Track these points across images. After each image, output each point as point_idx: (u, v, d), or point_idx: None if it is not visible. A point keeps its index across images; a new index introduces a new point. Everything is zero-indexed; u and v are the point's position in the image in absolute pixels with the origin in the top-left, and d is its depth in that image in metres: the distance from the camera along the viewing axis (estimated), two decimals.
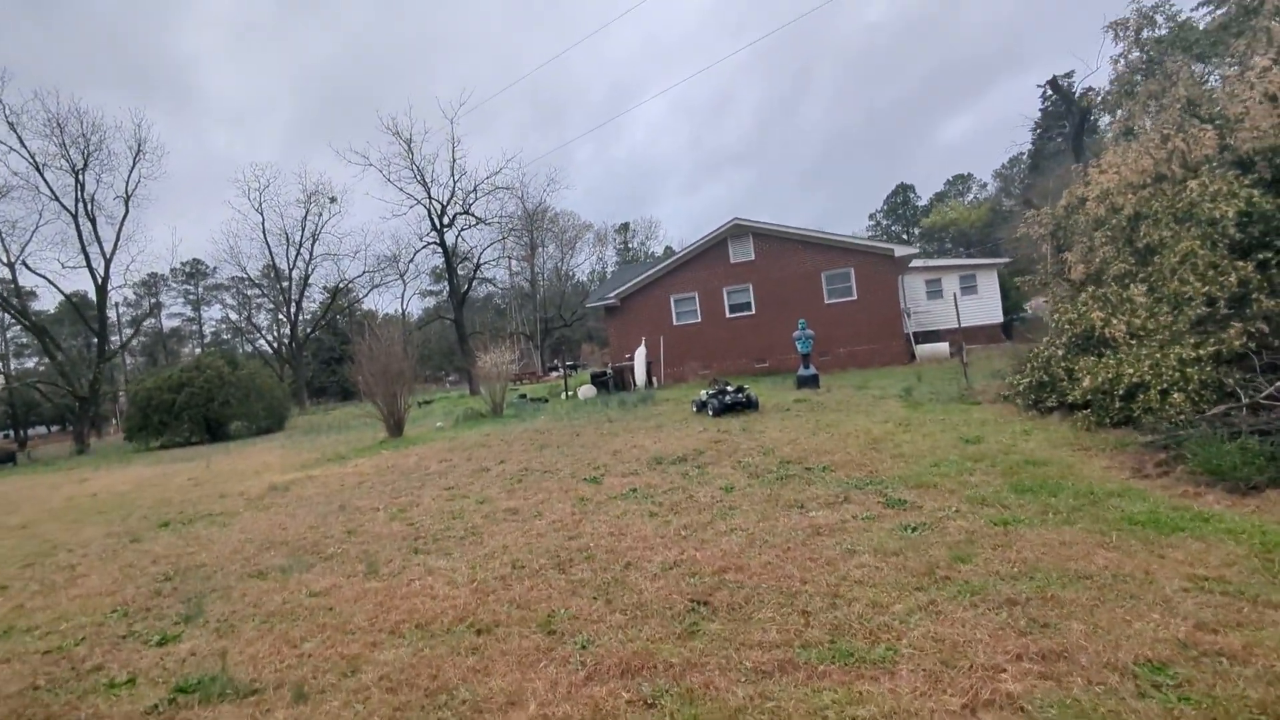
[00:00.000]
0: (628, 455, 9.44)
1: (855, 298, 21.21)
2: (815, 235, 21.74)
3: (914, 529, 4.80)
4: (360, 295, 46.11)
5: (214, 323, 53.74)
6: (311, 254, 43.52)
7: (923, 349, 21.16)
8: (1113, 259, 11.41)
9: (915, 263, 27.24)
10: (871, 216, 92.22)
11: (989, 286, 29.28)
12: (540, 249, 47.84)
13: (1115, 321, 8.75)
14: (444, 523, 6.75)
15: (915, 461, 7.15)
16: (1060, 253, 17.62)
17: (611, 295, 22.90)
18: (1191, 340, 7.60)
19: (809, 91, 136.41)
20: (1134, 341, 8.47)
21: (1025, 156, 79.29)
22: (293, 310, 41.87)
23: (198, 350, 50.52)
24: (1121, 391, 7.54)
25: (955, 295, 18.21)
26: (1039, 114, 66.97)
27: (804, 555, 4.44)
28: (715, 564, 4.44)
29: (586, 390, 20.44)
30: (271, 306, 45.62)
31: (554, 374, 45.03)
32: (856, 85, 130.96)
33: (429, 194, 34.20)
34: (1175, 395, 7.06)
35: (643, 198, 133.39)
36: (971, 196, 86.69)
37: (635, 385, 20.01)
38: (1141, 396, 7.34)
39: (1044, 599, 3.45)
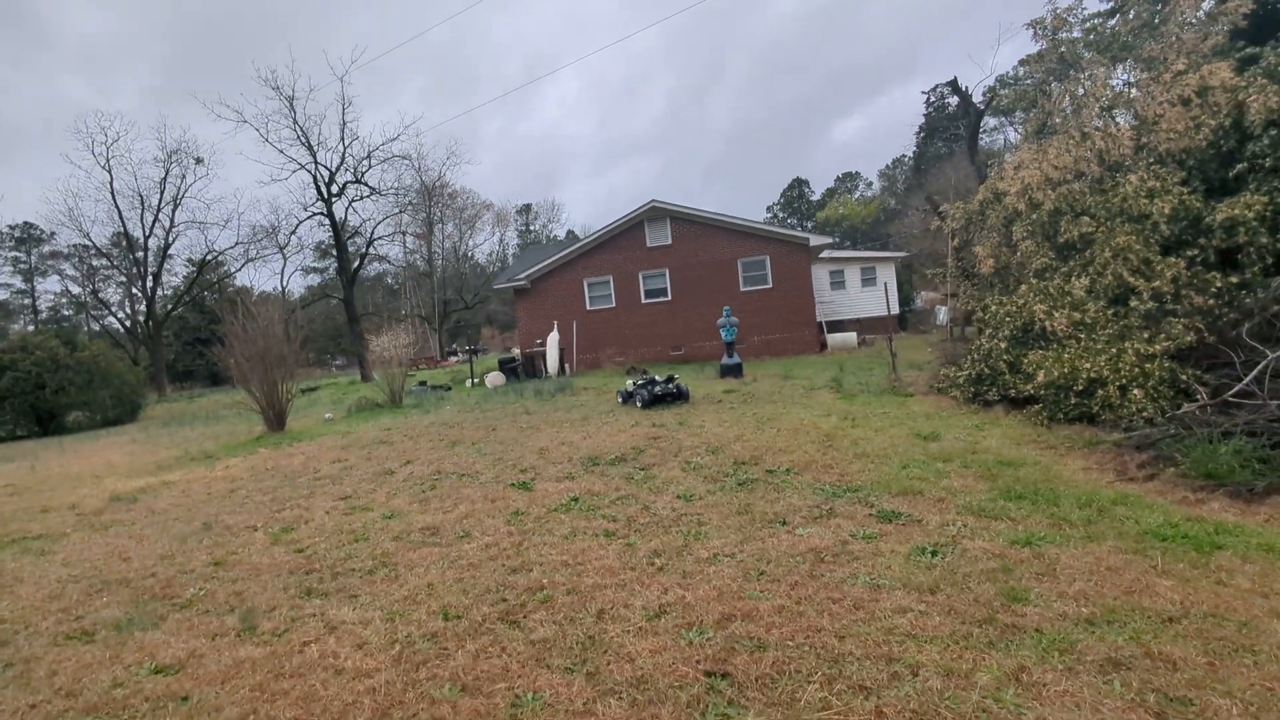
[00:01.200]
0: (557, 454, 8.39)
1: (770, 285, 20.95)
2: (733, 221, 21.27)
3: (931, 552, 4.09)
4: (233, 270, 41.53)
5: (52, 296, 47.00)
6: (173, 221, 38.56)
7: (834, 338, 21.23)
8: (1033, 253, 11.43)
9: (821, 254, 27.50)
10: (769, 208, 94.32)
11: (887, 279, 30.07)
12: (439, 226, 45.01)
13: (1057, 315, 8.57)
14: (344, 548, 5.48)
15: (881, 462, 6.56)
16: (961, 249, 17.91)
17: (521, 276, 21.52)
18: (1144, 335, 7.44)
19: (717, 82, 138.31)
20: (1081, 335, 8.32)
21: (908, 159, 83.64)
22: (149, 284, 36.82)
23: (31, 328, 43.78)
24: (1079, 387, 7.27)
25: (886, 286, 18.23)
26: (923, 119, 70.60)
27: (821, 594, 3.62)
28: (715, 610, 3.53)
29: (495, 378, 19.06)
30: (124, 279, 40.11)
31: (453, 359, 42.69)
32: (763, 78, 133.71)
33: (315, 159, 30.83)
34: (1135, 391, 6.84)
35: (547, 180, 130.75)
36: (859, 194, 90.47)
37: (547, 373, 18.84)
38: (1100, 392, 7.10)
39: (1149, 656, 2.78)
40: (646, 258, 21.39)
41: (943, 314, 39.96)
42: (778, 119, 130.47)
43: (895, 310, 29.85)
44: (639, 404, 11.33)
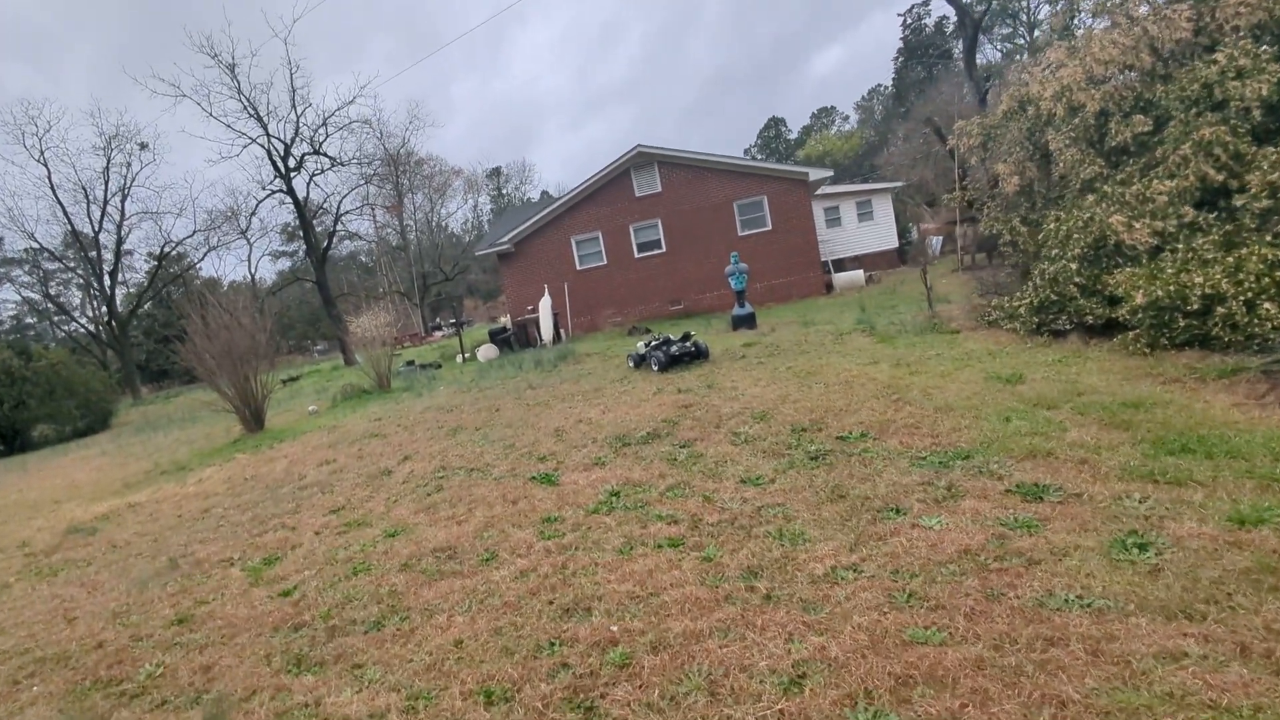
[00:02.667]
0: (577, 435, 7.28)
1: (770, 228, 19.70)
2: (725, 161, 19.88)
3: (1137, 545, 3.03)
4: (196, 260, 39.21)
5: (12, 306, 44.57)
6: (123, 213, 35.96)
7: (840, 278, 20.09)
8: (1078, 162, 10.27)
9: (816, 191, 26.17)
10: (746, 150, 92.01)
11: (884, 212, 28.84)
12: (408, 196, 42.93)
13: (1138, 226, 7.46)
14: (340, 585, 4.37)
15: (973, 416, 5.49)
16: (964, 173, 16.64)
17: (504, 240, 20.10)
18: (1265, 238, 6.34)
19: (689, 23, 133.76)
20: (1167, 246, 7.22)
21: (885, 88, 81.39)
22: (107, 283, 34.60)
23: None
24: (1193, 306, 6.19)
25: (892, 216, 17.03)
26: (900, 43, 68.21)
27: (1023, 629, 2.55)
28: (878, 669, 2.46)
29: (487, 350, 17.84)
30: (81, 281, 37.70)
31: (438, 334, 41.20)
32: (736, 15, 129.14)
33: (266, 131, 28.54)
34: (1266, 305, 5.77)
35: (518, 141, 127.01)
36: (836, 129, 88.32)
37: (542, 340, 17.63)
38: (1219, 310, 6.02)
39: None
40: (636, 208, 20.00)
41: (936, 244, 38.97)
42: (752, 57, 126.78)
43: (894, 243, 28.70)
44: (655, 367, 10.20)
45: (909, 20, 64.74)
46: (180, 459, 10.72)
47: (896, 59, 67.41)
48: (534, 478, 6.05)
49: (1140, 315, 6.54)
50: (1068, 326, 7.89)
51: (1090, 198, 8.42)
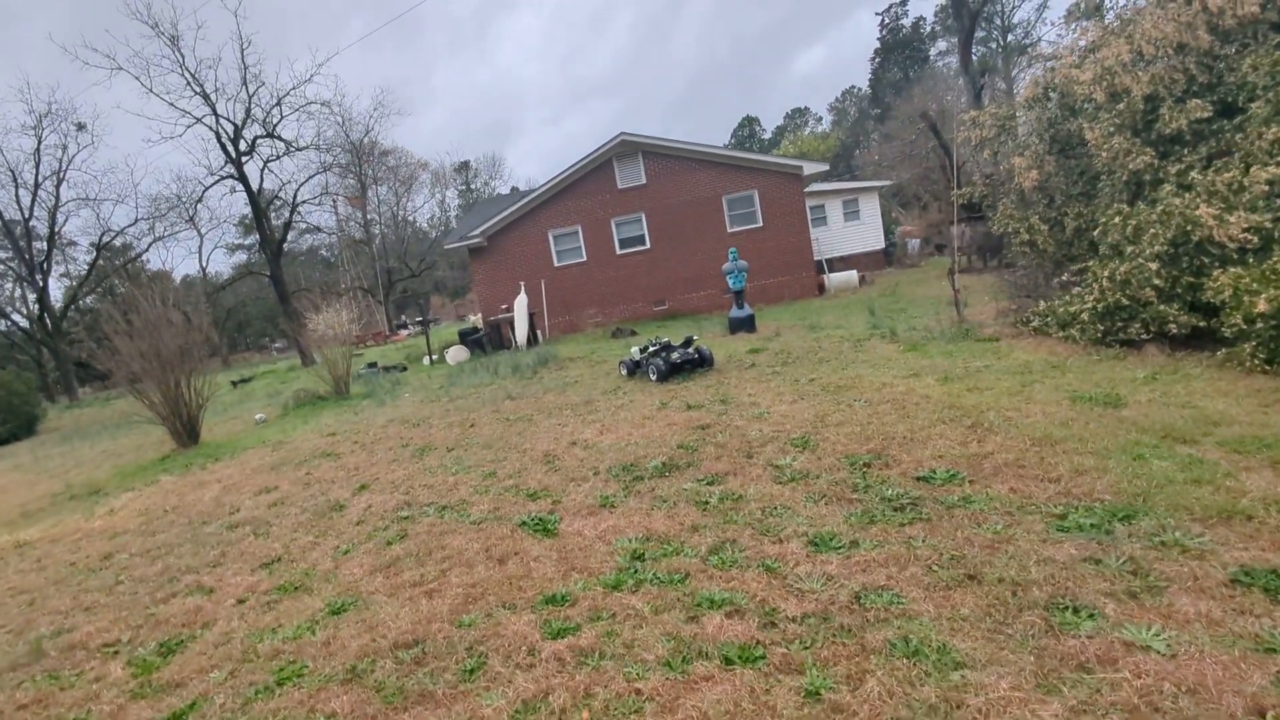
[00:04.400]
0: (571, 462, 5.99)
1: (761, 224, 18.57)
2: (714, 153, 18.69)
3: None
4: (140, 250, 36.44)
5: None
6: (58, 199, 32.97)
7: (834, 279, 19.06)
8: (1123, 152, 9.29)
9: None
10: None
11: (871, 212, 28.00)
12: (372, 188, 40.80)
13: (1231, 219, 6.42)
14: (262, 698, 3.02)
15: (1093, 453, 4.35)
16: (956, 170, 15.76)
17: (475, 233, 18.62)
18: None
19: (672, 18, 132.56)
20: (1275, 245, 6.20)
21: (859, 89, 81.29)
22: (38, 275, 31.68)
23: None
24: None
25: (882, 216, 16.03)
26: (877, 42, 67.94)
27: None
28: None
29: (457, 352, 16.38)
30: (14, 273, 34.56)
31: (404, 332, 39.29)
32: (718, 12, 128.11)
33: (214, 111, 26.32)
34: None
35: (492, 135, 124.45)
36: (809, 129, 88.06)
37: (517, 343, 16.23)
38: None
39: None
40: (619, 201, 18.70)
41: (914, 246, 38.41)
42: (728, 56, 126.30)
43: (881, 244, 27.88)
44: (652, 376, 8.95)
45: (887, 20, 64.52)
46: (97, 479, 9.11)
47: (874, 59, 67.20)
48: (525, 523, 4.75)
49: (1259, 325, 5.47)
50: (1143, 336, 6.84)
51: (1166, 188, 7.37)
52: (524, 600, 3.61)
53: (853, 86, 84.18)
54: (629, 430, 6.74)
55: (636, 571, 3.71)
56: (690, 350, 9.15)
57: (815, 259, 19.86)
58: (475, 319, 30.82)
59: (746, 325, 12.35)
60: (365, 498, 6.06)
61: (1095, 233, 8.69)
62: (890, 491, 4.24)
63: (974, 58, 56.30)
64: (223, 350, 43.50)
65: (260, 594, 4.35)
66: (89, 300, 34.42)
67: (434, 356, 17.58)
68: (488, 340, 16.89)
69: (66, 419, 22.39)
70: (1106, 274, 7.46)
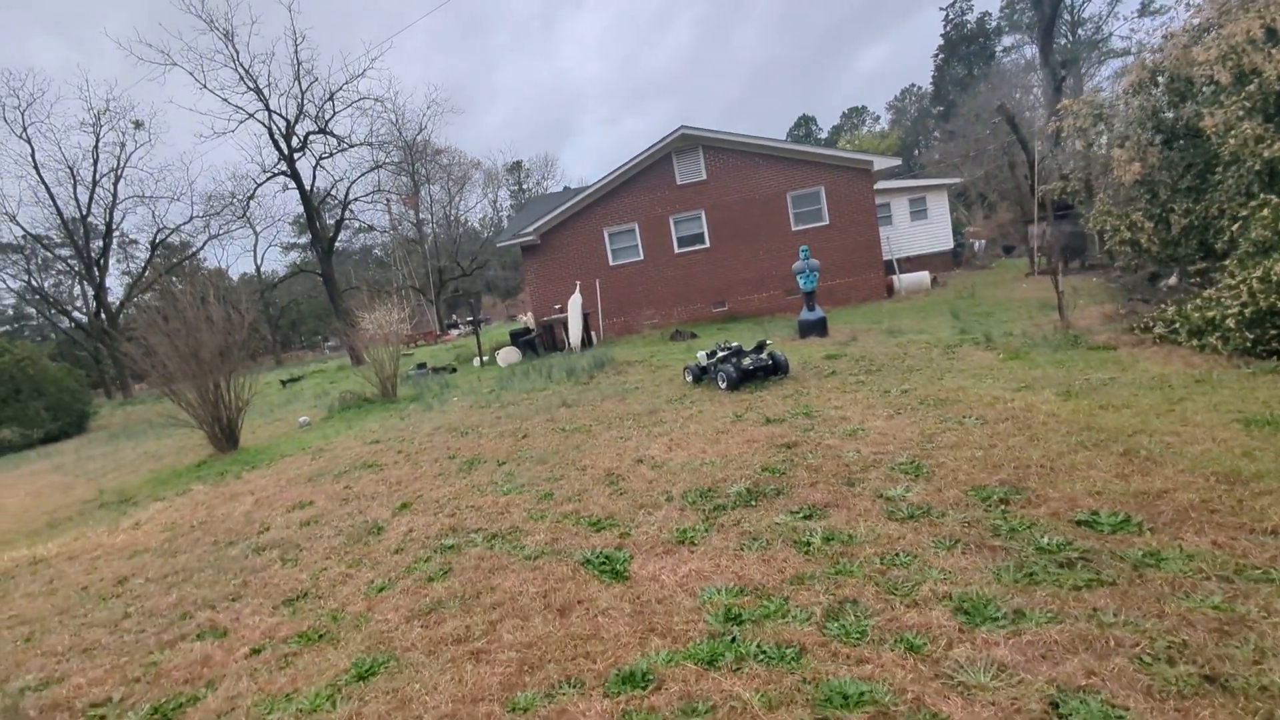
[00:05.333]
0: (638, 483, 5.23)
1: (827, 222, 17.54)
2: (778, 147, 17.76)
3: None
4: (197, 248, 37.19)
5: (13, 297, 42.46)
6: (115, 196, 33.19)
7: (905, 280, 17.88)
8: (1255, 139, 8.13)
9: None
10: None
11: (939, 210, 26.58)
12: (425, 187, 40.89)
13: None
14: None
15: None
16: (1024, 169, 14.51)
17: (529, 230, 18.08)
18: None
19: (732, 18, 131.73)
20: None
21: (918, 88, 78.72)
22: (95, 272, 32.53)
23: None
24: None
25: (949, 216, 14.83)
26: (941, 41, 65.48)
27: None
28: None
29: (508, 354, 15.84)
30: (68, 270, 35.29)
31: (454, 332, 39.27)
32: (781, 12, 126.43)
33: (267, 106, 26.37)
34: None
35: (547, 136, 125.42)
36: (866, 129, 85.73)
37: (570, 344, 15.60)
38: None
39: None
40: (677, 198, 17.92)
41: (979, 246, 36.55)
42: (792, 55, 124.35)
43: (949, 244, 26.43)
44: (722, 384, 8.13)
45: (951, 15, 62.16)
46: (130, 486, 8.75)
47: (937, 55, 64.82)
48: (589, 561, 4.00)
49: None
50: None
51: None
52: (593, 675, 2.84)
53: (912, 85, 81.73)
54: (702, 446, 5.94)
55: (734, 641, 2.90)
56: (763, 356, 8.30)
57: (884, 259, 18.71)
58: (526, 319, 30.43)
59: (818, 329, 11.42)
60: (406, 519, 5.42)
61: (1213, 230, 7.57)
62: (1046, 540, 3.34)
63: (1055, 47, 53.55)
64: (276, 348, 44.32)
65: (279, 642, 3.70)
66: (147, 298, 35.40)
67: (484, 358, 17.10)
68: (540, 341, 16.31)
69: (118, 416, 22.72)
70: (1258, 275, 6.34)
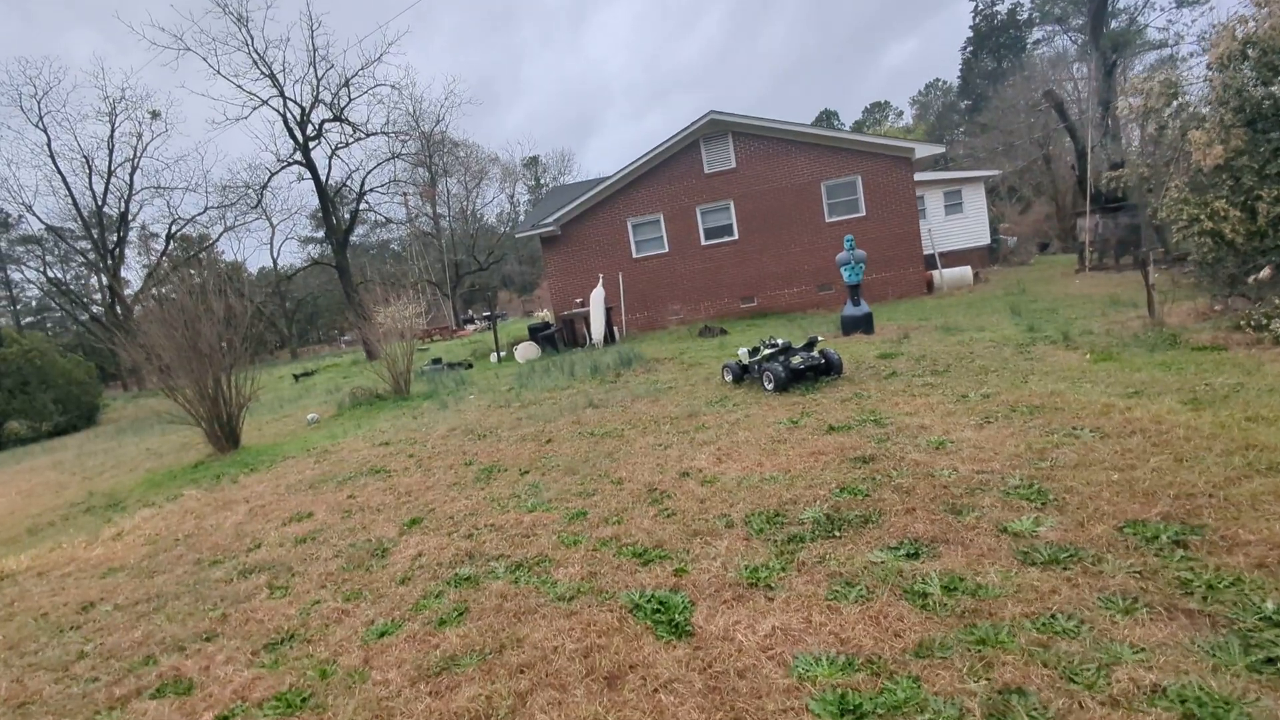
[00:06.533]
0: (687, 502, 4.42)
1: (864, 213, 16.59)
2: (812, 133, 16.82)
3: None
4: (213, 239, 36.60)
5: (36, 289, 42.09)
6: (131, 186, 32.35)
7: (947, 275, 16.90)
8: None
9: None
10: None
11: (975, 204, 25.47)
12: (442, 179, 40.23)
13: None
14: None
15: None
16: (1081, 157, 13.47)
17: (549, 221, 17.29)
18: None
19: (756, 15, 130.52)
20: None
21: (945, 83, 77.01)
22: (111, 263, 32.06)
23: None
24: None
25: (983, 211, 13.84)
26: (970, 33, 63.86)
27: None
28: None
29: (526, 349, 15.07)
30: (85, 261, 34.80)
31: (470, 327, 38.60)
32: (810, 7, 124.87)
33: (281, 93, 25.54)
34: None
35: (569, 132, 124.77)
36: (889, 124, 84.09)
37: (592, 340, 14.80)
38: None
39: None
40: (705, 187, 17.04)
41: (1011, 243, 35.36)
42: (819, 51, 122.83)
43: (986, 240, 25.32)
44: (768, 384, 7.28)
45: (980, 6, 60.56)
46: (121, 489, 8.05)
47: (965, 49, 63.25)
48: (638, 606, 3.20)
49: None
50: None
51: None
52: None
53: (937, 79, 79.97)
54: (758, 458, 5.11)
55: None
56: (814, 354, 7.44)
57: (926, 253, 17.74)
58: (543, 314, 29.66)
59: (864, 325, 10.52)
60: (416, 539, 4.63)
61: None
62: (1272, 605, 2.47)
63: (1029, 54, 51.82)
64: (292, 342, 43.88)
65: (251, 706, 2.92)
66: (165, 290, 34.95)
67: (501, 353, 16.35)
68: (560, 336, 15.53)
69: (128, 410, 22.23)
70: None
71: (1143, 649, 2.36)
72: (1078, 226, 18.86)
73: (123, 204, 32.69)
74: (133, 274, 38.67)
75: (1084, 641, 2.45)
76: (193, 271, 35.45)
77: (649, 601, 3.24)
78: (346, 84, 26.09)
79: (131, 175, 32.85)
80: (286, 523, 5.46)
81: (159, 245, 38.83)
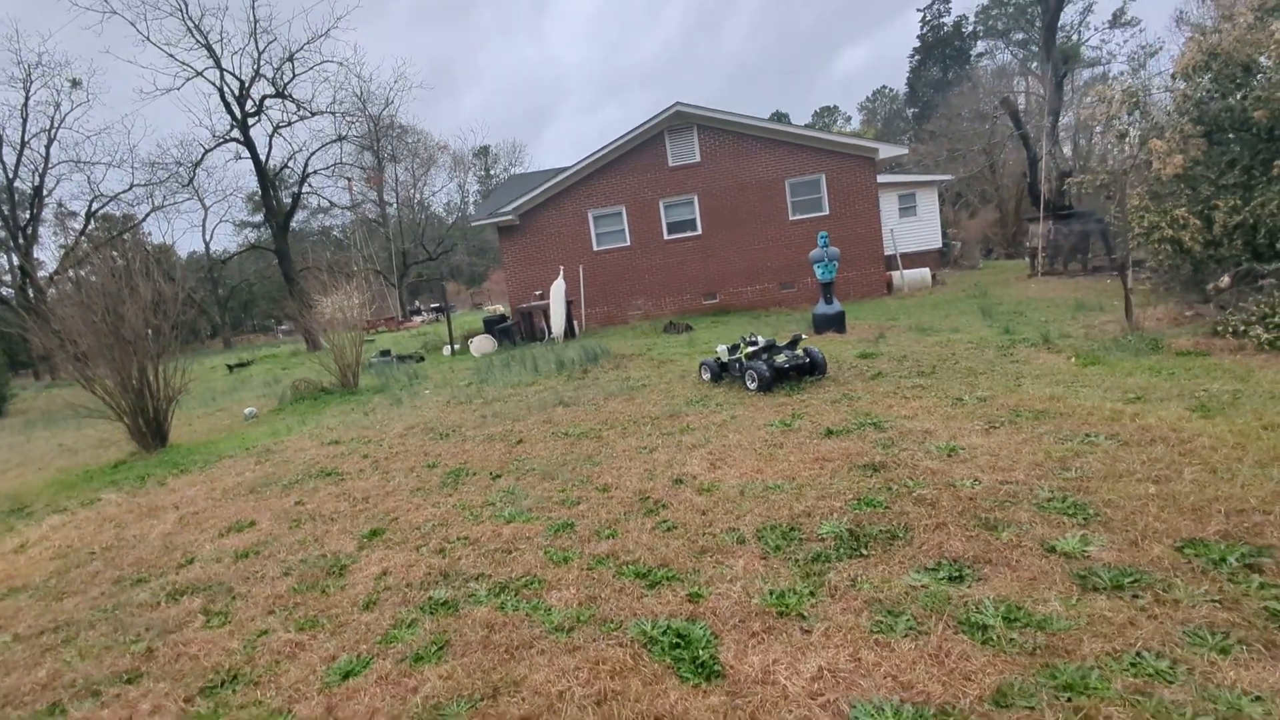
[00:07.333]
0: (688, 514, 4.01)
1: (827, 212, 16.49)
2: (778, 130, 16.63)
3: None
4: (139, 219, 34.06)
5: None
6: (47, 159, 29.89)
7: (907, 276, 16.96)
8: None
9: None
10: None
11: (928, 208, 25.88)
12: (391, 164, 38.57)
13: None
14: None
15: None
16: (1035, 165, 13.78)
17: (507, 209, 16.60)
18: None
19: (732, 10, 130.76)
20: None
21: (891, 90, 78.74)
22: (22, 241, 29.44)
23: None
24: None
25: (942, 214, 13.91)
26: (917, 43, 65.37)
27: None
28: None
29: (482, 342, 14.40)
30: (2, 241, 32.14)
31: (418, 319, 37.31)
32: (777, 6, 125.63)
33: (218, 64, 23.79)
34: None
35: (522, 123, 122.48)
36: (838, 128, 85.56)
37: (551, 334, 14.24)
38: None
39: None
40: (669, 180, 16.66)
41: (958, 246, 36.36)
42: (776, 53, 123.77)
43: (938, 243, 25.75)
44: (750, 384, 6.93)
45: (928, 17, 62.08)
46: (28, 491, 7.12)
47: (913, 57, 64.76)
48: (651, 639, 2.78)
49: None
50: None
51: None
52: None
53: (884, 87, 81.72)
54: (755, 464, 4.73)
55: None
56: (798, 353, 7.12)
57: (887, 253, 17.78)
58: (494, 307, 28.80)
59: (836, 323, 10.31)
60: (379, 554, 4.07)
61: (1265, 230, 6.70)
62: None
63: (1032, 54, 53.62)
64: (225, 330, 41.61)
65: None
66: (85, 272, 32.43)
67: (456, 346, 15.61)
68: (518, 330, 14.91)
69: (41, 400, 20.50)
70: None
71: (1258, 697, 2.05)
72: (1029, 232, 19.26)
73: (37, 178, 30.15)
74: (48, 254, 35.94)
75: (1188, 688, 2.13)
76: (115, 253, 33.09)
77: (665, 634, 2.80)
78: (291, 58, 24.63)
79: (48, 147, 30.37)
80: (224, 533, 4.81)
81: (78, 224, 36.17)
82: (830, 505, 3.86)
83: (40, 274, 31.29)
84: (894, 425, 5.22)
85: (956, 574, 2.98)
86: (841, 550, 3.33)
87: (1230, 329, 6.98)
